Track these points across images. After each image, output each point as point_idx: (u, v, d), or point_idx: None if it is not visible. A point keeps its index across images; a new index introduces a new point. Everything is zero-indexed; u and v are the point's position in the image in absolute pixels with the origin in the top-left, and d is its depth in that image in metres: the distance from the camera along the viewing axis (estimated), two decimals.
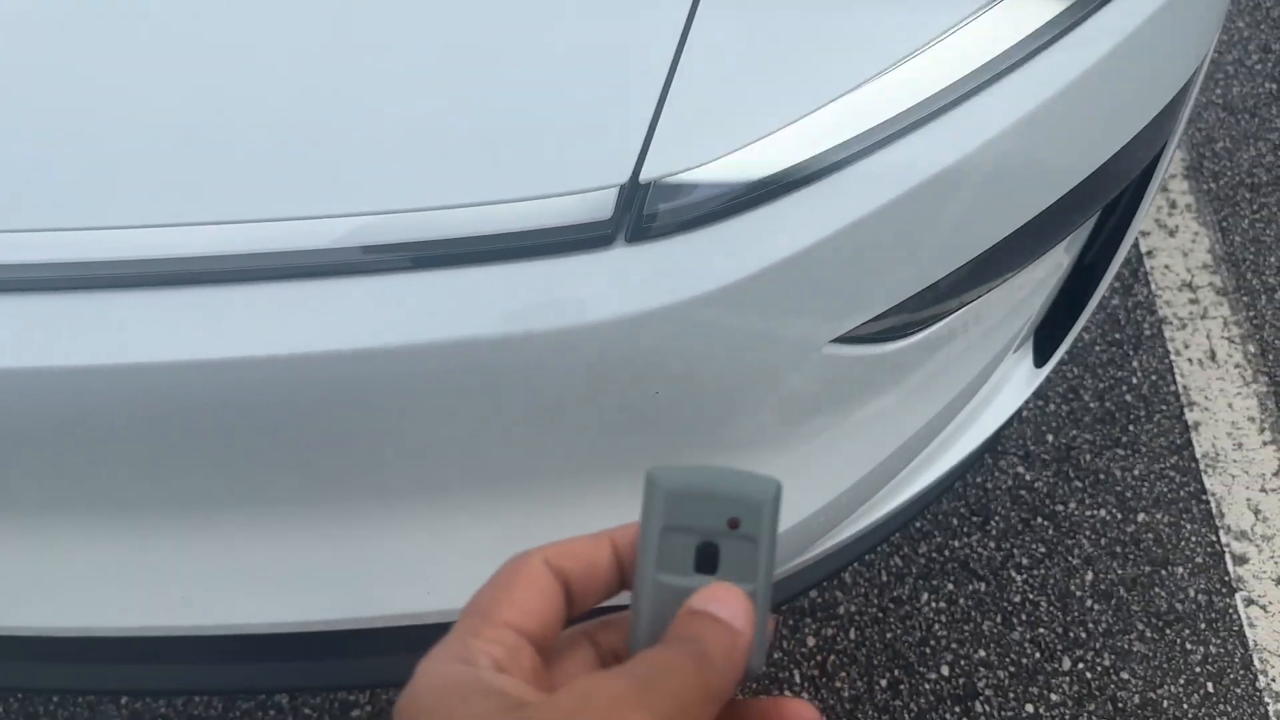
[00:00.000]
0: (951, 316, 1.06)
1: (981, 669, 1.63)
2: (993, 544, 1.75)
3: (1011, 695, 1.61)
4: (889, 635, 1.66)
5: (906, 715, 1.59)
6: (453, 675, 0.39)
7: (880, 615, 1.68)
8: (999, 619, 1.68)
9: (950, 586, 1.71)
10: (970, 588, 1.71)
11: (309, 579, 1.04)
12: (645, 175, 0.82)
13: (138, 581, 1.02)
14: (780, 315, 0.89)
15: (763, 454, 1.04)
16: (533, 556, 0.43)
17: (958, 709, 1.60)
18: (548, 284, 0.83)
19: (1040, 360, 1.36)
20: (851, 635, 1.67)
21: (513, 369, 0.85)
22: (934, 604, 1.69)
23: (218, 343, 0.80)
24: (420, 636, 0.50)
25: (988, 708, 1.60)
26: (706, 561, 0.43)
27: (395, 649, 1.07)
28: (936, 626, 1.67)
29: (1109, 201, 1.16)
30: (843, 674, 1.63)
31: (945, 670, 1.63)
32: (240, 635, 1.06)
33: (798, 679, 1.63)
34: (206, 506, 0.98)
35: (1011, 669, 1.63)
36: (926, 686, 1.62)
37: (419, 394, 0.86)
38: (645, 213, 0.83)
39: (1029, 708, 1.60)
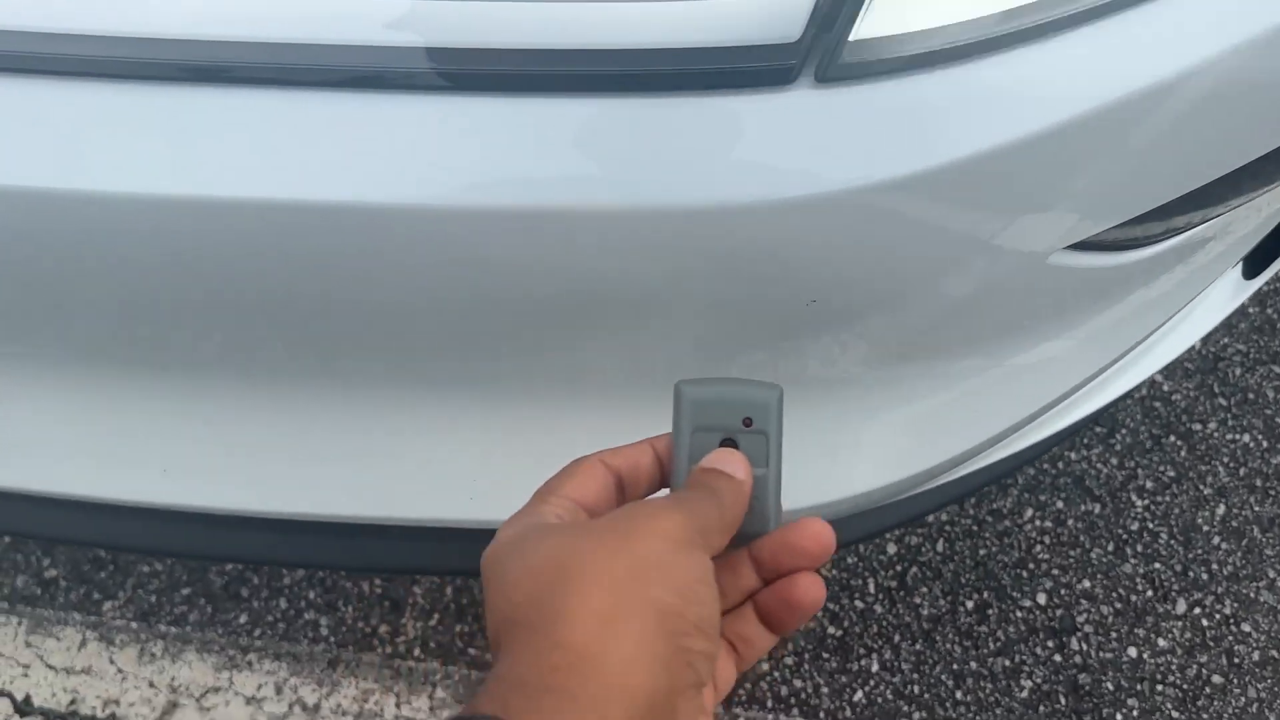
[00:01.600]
0: (1201, 227, 0.78)
1: (1083, 601, 1.43)
2: (1115, 461, 1.52)
3: (1114, 635, 1.41)
4: (982, 552, 1.45)
5: (991, 644, 1.40)
6: (523, 525, 0.48)
7: (974, 528, 1.47)
8: (1110, 547, 1.46)
9: (1060, 504, 1.48)
10: (1082, 508, 1.48)
11: (366, 472, 0.84)
12: None
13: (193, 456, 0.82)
14: (1015, 208, 0.61)
15: (921, 386, 0.80)
16: (590, 456, 0.52)
17: (1050, 644, 1.40)
18: (683, 134, 0.56)
19: (1251, 272, 1.08)
20: (939, 547, 1.46)
21: (611, 251, 0.59)
22: (1038, 522, 1.47)
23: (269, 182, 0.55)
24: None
25: (1085, 646, 1.40)
26: None
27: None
28: (1038, 548, 1.46)
29: None
30: (924, 589, 1.43)
31: (1042, 598, 1.43)
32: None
33: (871, 589, 1.43)
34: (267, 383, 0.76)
35: (1118, 605, 1.43)
36: (1018, 614, 1.42)
37: (497, 270, 0.61)
38: (851, 39, 0.54)
39: (1131, 651, 1.40)
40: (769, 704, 1.36)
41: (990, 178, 0.57)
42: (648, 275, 0.62)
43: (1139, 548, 1.46)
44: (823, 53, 0.55)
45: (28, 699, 1.34)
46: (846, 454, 0.94)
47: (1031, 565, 1.45)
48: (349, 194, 0.56)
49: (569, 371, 0.74)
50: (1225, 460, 1.52)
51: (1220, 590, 1.44)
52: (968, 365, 0.91)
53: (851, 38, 0.54)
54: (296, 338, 0.75)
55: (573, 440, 0.77)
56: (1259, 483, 1.50)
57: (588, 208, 0.56)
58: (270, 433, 0.89)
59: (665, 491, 0.54)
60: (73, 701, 1.34)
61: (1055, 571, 1.45)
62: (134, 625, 1.39)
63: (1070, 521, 1.48)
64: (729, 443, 0.53)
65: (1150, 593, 1.44)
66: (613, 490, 0.52)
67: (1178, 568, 1.45)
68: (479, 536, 0.50)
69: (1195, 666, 1.39)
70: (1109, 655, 1.40)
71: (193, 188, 0.58)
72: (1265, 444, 1.53)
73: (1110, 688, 1.38)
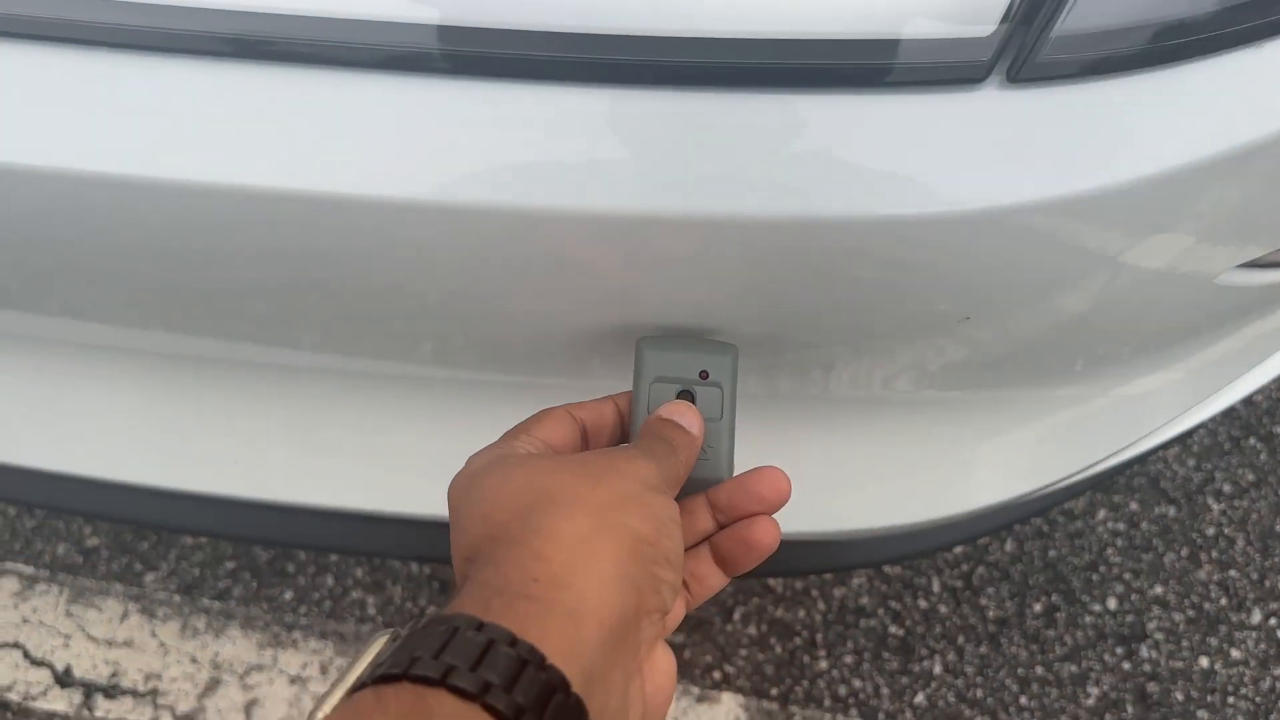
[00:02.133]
0: None
1: (1155, 608, 1.38)
2: (1192, 463, 1.46)
3: (1185, 644, 1.36)
4: (1052, 553, 1.40)
5: (1058, 648, 1.35)
6: (494, 455, 0.51)
7: (1045, 529, 1.41)
8: (1185, 553, 1.41)
9: (1134, 506, 1.43)
10: (1157, 510, 1.43)
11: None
12: None
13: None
14: (1211, 224, 0.55)
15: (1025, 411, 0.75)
16: (558, 407, 0.56)
17: (1120, 650, 1.35)
18: (857, 136, 0.49)
19: None
20: (1007, 547, 1.41)
21: (757, 261, 0.53)
22: (1111, 524, 1.42)
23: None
24: None
25: (1155, 654, 1.35)
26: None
27: None
28: (1110, 551, 1.40)
29: None
30: (991, 590, 1.38)
31: (1113, 603, 1.38)
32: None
33: (936, 588, 1.38)
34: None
35: (1190, 613, 1.37)
36: (1088, 619, 1.37)
37: (620, 272, 0.55)
38: (1053, 35, 0.48)
39: (1203, 661, 1.35)
40: (826, 703, 1.32)
41: (1192, 192, 0.51)
42: (783, 287, 0.57)
43: (1214, 553, 1.41)
44: (1018, 50, 0.48)
45: (68, 670, 1.31)
46: (955, 473, 0.90)
47: (1103, 568, 1.40)
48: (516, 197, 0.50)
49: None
50: None
51: None
52: (1070, 393, 0.86)
53: (1053, 34, 0.48)
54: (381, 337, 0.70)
55: None
56: None
57: (736, 216, 0.50)
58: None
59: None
60: (114, 674, 1.31)
61: (1127, 576, 1.39)
62: (177, 598, 1.35)
63: (1144, 524, 1.42)
64: (685, 395, 0.58)
65: (1224, 601, 1.38)
66: (578, 439, 0.55)
67: (1254, 576, 1.40)
68: None
69: (1269, 679, 1.34)
70: (1179, 664, 1.35)
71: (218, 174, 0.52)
72: None
73: (1180, 698, 1.33)
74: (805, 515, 0.91)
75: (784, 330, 0.63)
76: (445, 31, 0.50)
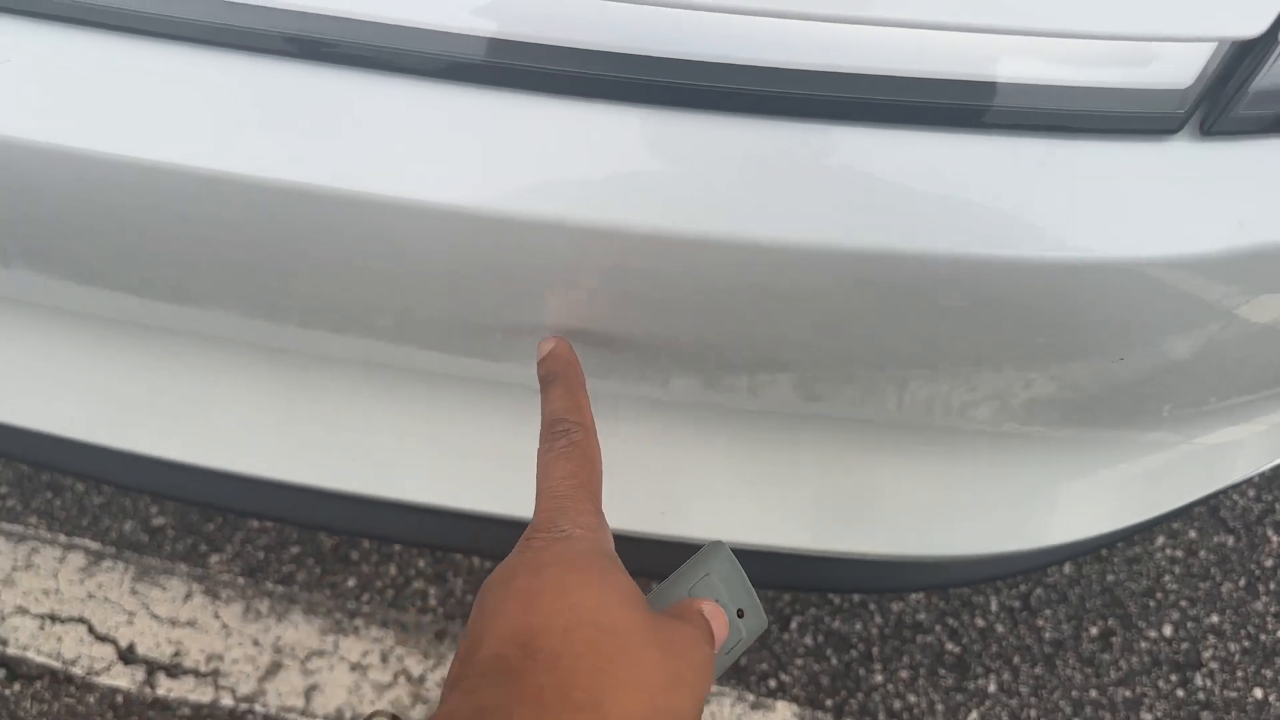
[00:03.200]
0: None
1: (1211, 636, 1.38)
2: (1252, 493, 1.46)
3: (1240, 674, 1.36)
4: (1110, 578, 1.40)
5: (1113, 673, 1.36)
6: (599, 542, 0.50)
7: (1104, 552, 1.42)
8: (1243, 582, 1.41)
9: (1192, 534, 1.43)
10: (1216, 539, 1.43)
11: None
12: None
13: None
14: None
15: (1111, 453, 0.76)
16: (590, 499, 0.53)
17: (1174, 677, 1.36)
18: (1041, 179, 0.50)
19: None
20: (1066, 569, 1.41)
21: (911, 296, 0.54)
22: (1169, 551, 1.42)
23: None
24: None
25: (1209, 683, 1.36)
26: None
27: None
28: (1168, 578, 1.41)
29: None
30: (1047, 612, 1.39)
31: (1168, 630, 1.38)
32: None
33: (994, 607, 1.39)
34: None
35: (1246, 643, 1.38)
36: (1143, 645, 1.37)
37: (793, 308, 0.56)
38: (1251, 90, 0.48)
39: (1258, 692, 1.35)
40: (880, 717, 1.33)
41: None
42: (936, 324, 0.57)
43: (1272, 585, 1.41)
44: (1215, 102, 0.48)
45: (131, 647, 1.32)
46: (1033, 508, 0.91)
47: (1160, 595, 1.40)
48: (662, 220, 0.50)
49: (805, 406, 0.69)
50: None
51: None
52: (1155, 438, 0.87)
53: (1251, 88, 0.48)
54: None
55: None
56: None
57: (911, 252, 0.50)
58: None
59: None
60: (176, 653, 1.32)
61: (1184, 603, 1.40)
62: (240, 581, 1.36)
63: (1202, 552, 1.42)
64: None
65: None
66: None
67: None
68: None
69: None
70: (1233, 694, 1.35)
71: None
72: None
73: None
74: (881, 537, 0.92)
75: (895, 363, 0.63)
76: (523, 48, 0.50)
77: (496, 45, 0.51)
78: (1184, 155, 0.49)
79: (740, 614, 0.58)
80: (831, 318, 0.58)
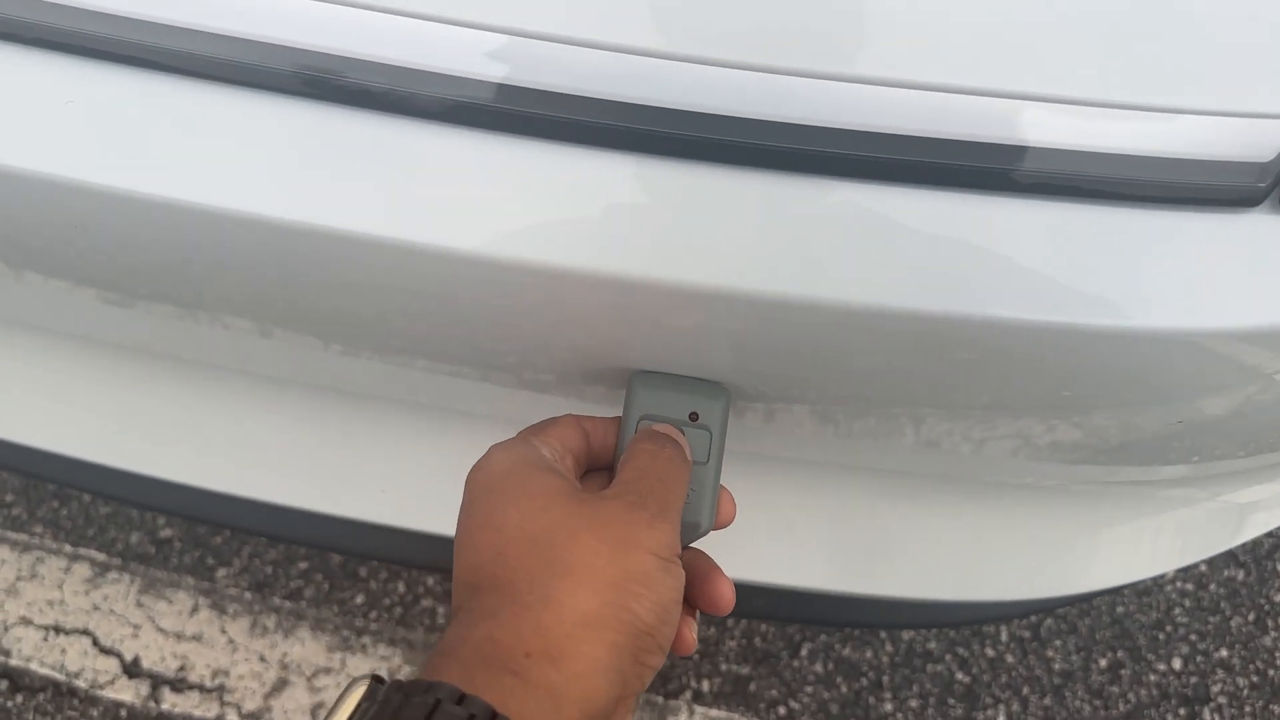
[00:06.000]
0: None
1: (1219, 671, 1.38)
2: None
3: (1248, 709, 1.36)
4: (1120, 609, 1.40)
5: (1121, 705, 1.36)
6: (521, 454, 0.52)
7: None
8: (1252, 617, 1.41)
9: (1203, 568, 1.43)
10: (1226, 574, 1.43)
11: None
12: None
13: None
14: None
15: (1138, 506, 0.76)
16: (567, 416, 0.56)
17: (1182, 711, 1.36)
18: (1120, 248, 0.49)
19: None
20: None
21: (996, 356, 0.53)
22: (1180, 584, 1.42)
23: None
24: None
25: (1217, 717, 1.36)
26: None
27: None
28: (1178, 611, 1.41)
29: None
30: (1057, 642, 1.38)
31: (1177, 664, 1.38)
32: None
33: (1004, 637, 1.39)
34: None
35: (1254, 679, 1.38)
36: (1152, 678, 1.37)
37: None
38: None
39: None
40: None
41: None
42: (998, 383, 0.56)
43: None
44: None
45: (136, 660, 1.31)
46: (1065, 556, 0.91)
47: (1169, 628, 1.40)
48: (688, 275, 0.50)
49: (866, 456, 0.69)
50: None
51: None
52: (1182, 494, 0.87)
53: None
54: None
55: None
56: None
57: (1000, 318, 0.50)
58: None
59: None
60: (181, 668, 1.31)
61: (1193, 637, 1.40)
62: (248, 595, 1.35)
63: (1212, 586, 1.43)
64: None
65: None
66: (584, 448, 0.56)
67: None
68: None
69: None
70: None
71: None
72: None
73: None
74: (907, 580, 0.92)
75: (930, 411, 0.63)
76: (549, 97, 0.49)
77: (513, 92, 0.50)
78: (1264, 228, 0.49)
79: (694, 417, 0.57)
80: (890, 377, 0.57)
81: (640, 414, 0.58)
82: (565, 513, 0.48)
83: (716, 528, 0.59)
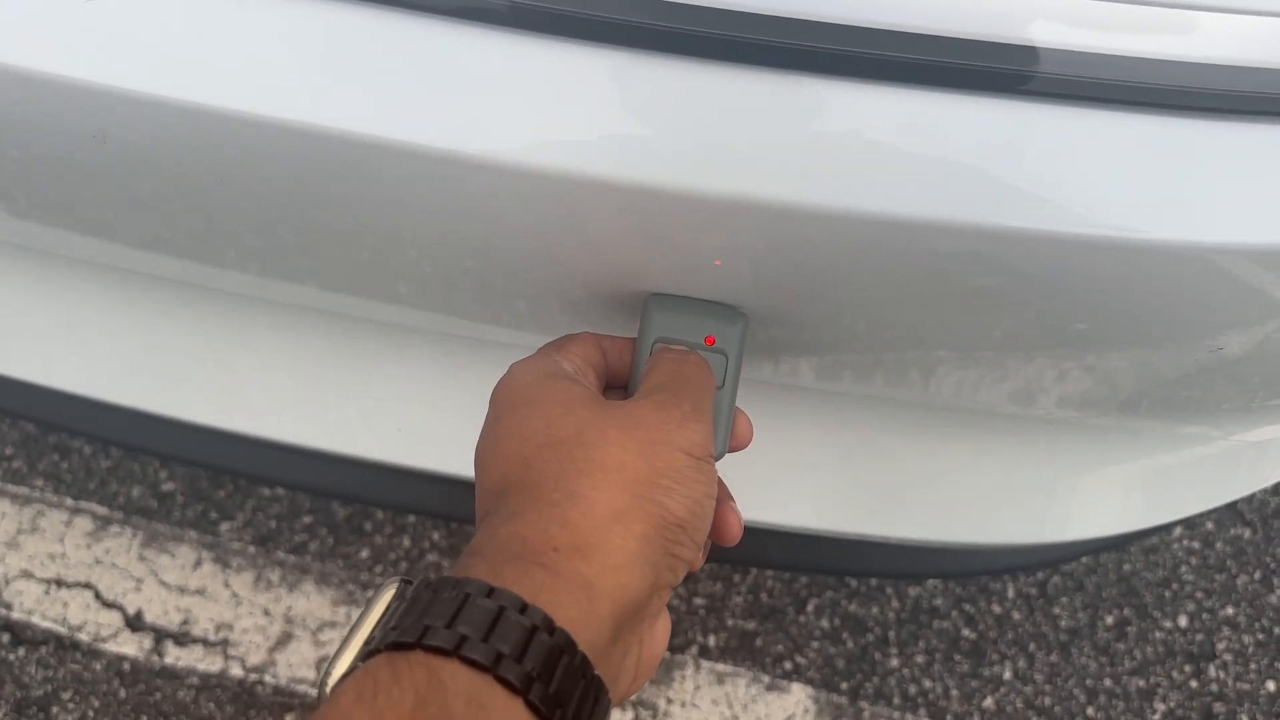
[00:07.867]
0: None
1: (1225, 629, 1.38)
2: (1270, 486, 1.45)
3: (1253, 666, 1.36)
4: (1126, 567, 1.40)
5: (1127, 662, 1.36)
6: (544, 366, 0.52)
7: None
8: (1258, 575, 1.41)
9: (1209, 526, 1.43)
10: (1232, 532, 1.43)
11: None
12: None
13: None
14: None
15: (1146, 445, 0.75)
16: (585, 334, 0.57)
17: (1188, 668, 1.36)
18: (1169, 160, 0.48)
19: None
20: (1083, 559, 1.40)
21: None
22: (1186, 542, 1.42)
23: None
24: None
25: (1222, 674, 1.36)
26: None
27: None
28: (1184, 569, 1.41)
29: None
30: (1064, 600, 1.38)
31: (1184, 621, 1.38)
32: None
33: (1010, 594, 1.38)
34: None
35: (1260, 636, 1.38)
36: (1158, 635, 1.37)
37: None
38: None
39: (1270, 685, 1.36)
40: (895, 700, 1.32)
41: None
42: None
43: None
44: None
45: (139, 614, 1.30)
46: (1065, 498, 0.90)
47: (1176, 585, 1.40)
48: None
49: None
50: None
51: None
52: (1193, 432, 0.86)
53: None
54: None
55: None
56: None
57: (1043, 230, 0.48)
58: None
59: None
60: (185, 621, 1.30)
61: (1199, 594, 1.40)
62: (251, 549, 1.34)
63: (1219, 544, 1.42)
64: None
65: None
66: (603, 364, 0.56)
67: None
68: None
69: None
70: (1246, 686, 1.36)
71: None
72: None
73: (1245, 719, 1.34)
74: (906, 521, 0.91)
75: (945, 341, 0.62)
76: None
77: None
78: None
79: (709, 341, 0.57)
80: (911, 295, 0.56)
81: (656, 336, 0.57)
82: (592, 414, 0.47)
83: (733, 449, 0.59)
